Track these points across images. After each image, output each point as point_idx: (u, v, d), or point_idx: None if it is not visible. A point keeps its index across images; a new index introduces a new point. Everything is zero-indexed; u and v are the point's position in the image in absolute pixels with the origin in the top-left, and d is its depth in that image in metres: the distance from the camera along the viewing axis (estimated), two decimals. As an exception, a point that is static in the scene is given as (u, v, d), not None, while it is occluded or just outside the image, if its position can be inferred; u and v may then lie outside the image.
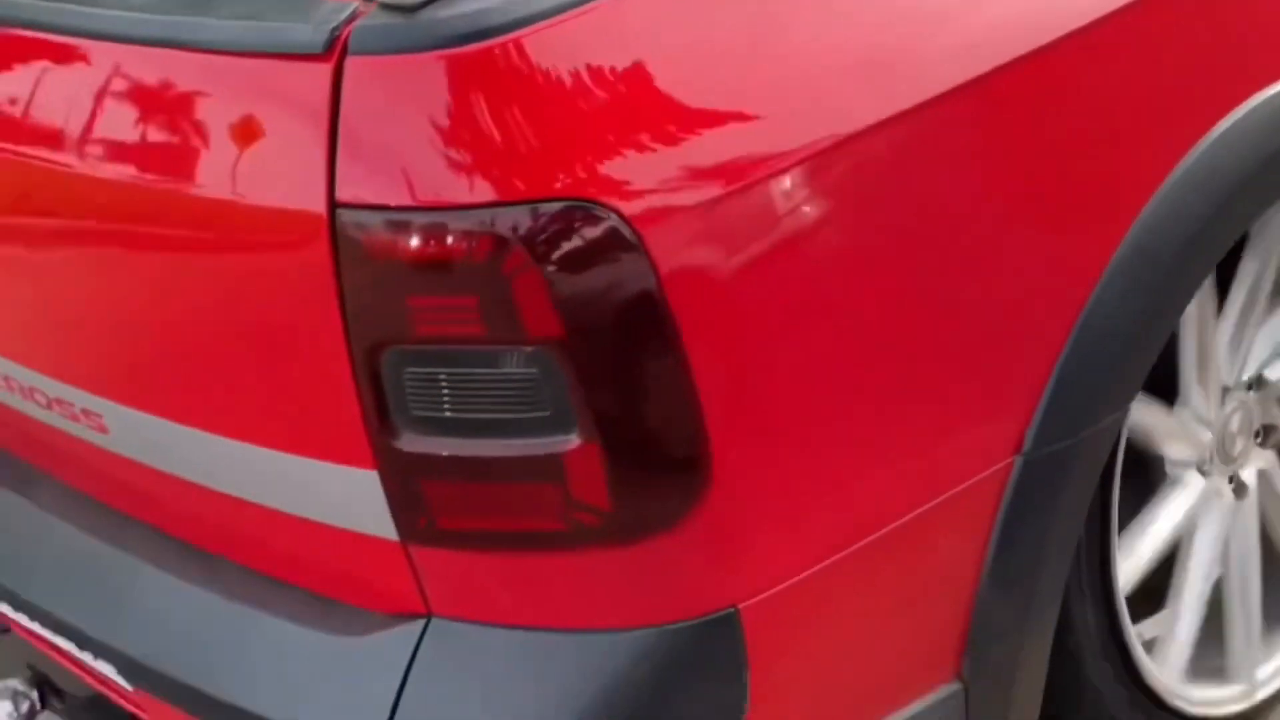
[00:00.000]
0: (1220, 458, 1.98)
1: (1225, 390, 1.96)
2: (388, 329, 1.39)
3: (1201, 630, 2.02)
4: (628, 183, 1.35)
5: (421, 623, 1.54)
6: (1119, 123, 1.62)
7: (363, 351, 1.40)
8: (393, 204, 1.35)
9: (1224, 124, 1.69)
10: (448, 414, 1.41)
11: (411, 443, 1.42)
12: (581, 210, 1.34)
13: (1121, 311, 1.64)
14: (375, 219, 1.36)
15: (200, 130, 1.47)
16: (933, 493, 1.59)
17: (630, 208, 1.35)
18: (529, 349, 1.36)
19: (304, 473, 1.53)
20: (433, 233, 1.35)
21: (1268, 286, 1.95)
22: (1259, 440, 2.03)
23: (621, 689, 1.48)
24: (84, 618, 1.81)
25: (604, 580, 1.47)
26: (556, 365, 1.36)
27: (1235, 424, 1.98)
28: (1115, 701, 1.87)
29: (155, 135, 1.52)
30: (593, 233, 1.34)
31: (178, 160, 1.49)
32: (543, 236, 1.34)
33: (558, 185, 1.34)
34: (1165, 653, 1.96)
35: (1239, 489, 2.01)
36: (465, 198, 1.34)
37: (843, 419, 1.51)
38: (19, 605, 1.90)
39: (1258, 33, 1.73)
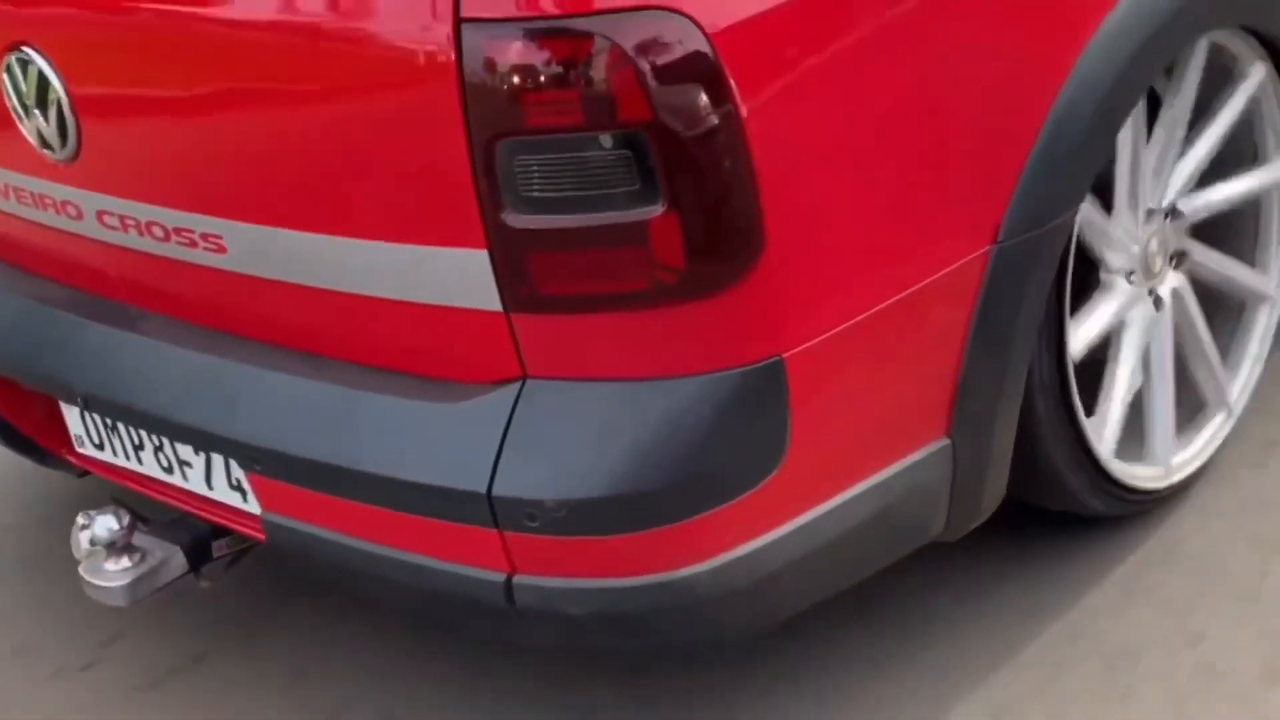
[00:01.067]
0: (1143, 272, 2.35)
1: (1149, 212, 2.33)
2: (503, 123, 1.71)
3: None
4: None
5: (518, 384, 1.86)
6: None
7: (481, 144, 1.72)
8: (510, 16, 1.68)
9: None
10: (552, 193, 1.73)
11: (520, 220, 1.74)
12: (665, 17, 1.67)
13: (1071, 129, 2.00)
14: (495, 31, 1.68)
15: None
16: (929, 271, 1.94)
17: (705, 15, 1.68)
18: (622, 131, 1.69)
19: (419, 260, 1.84)
20: (543, 39, 1.68)
21: (1183, 123, 2.32)
22: (1173, 264, 2.41)
23: (689, 426, 1.81)
24: (203, 419, 2.09)
25: (676, 333, 1.80)
26: (644, 144, 1.69)
27: (1154, 245, 2.35)
28: (1064, 462, 2.23)
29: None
30: (674, 35, 1.68)
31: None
32: (633, 38, 1.67)
33: (644, -3, 1.67)
34: (1099, 431, 2.32)
35: (1157, 302, 2.39)
36: (569, 8, 1.67)
37: (864, 206, 1.85)
38: (141, 421, 2.19)
39: None
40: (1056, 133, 1.99)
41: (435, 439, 1.90)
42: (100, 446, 2.37)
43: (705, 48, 1.68)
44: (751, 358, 1.81)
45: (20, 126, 2.14)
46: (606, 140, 1.70)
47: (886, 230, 1.89)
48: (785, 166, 1.76)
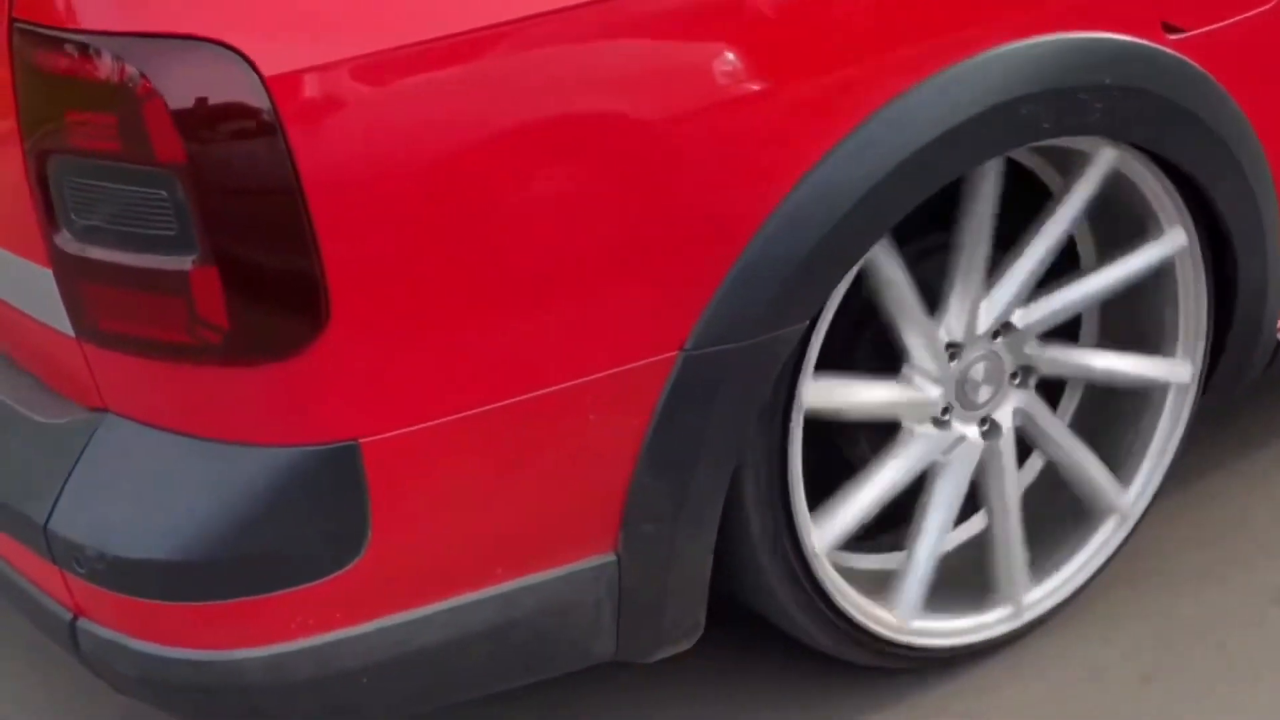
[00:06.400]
0: (963, 406, 2.03)
1: (952, 346, 2.00)
2: (51, 138, 1.55)
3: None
4: (261, 31, 1.48)
5: (100, 416, 1.70)
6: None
7: (34, 157, 1.56)
8: (54, 24, 1.51)
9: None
10: (98, 223, 1.56)
11: (71, 245, 1.58)
12: (211, 51, 1.47)
13: (790, 243, 1.72)
14: (40, 35, 1.51)
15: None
16: (581, 371, 1.69)
17: (264, 55, 1.47)
18: (157, 170, 1.51)
19: (13, 266, 1.70)
20: (83, 54, 1.50)
21: (983, 244, 1.97)
22: (1016, 381, 2.08)
23: (243, 499, 1.63)
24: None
25: (233, 396, 1.62)
26: (179, 189, 1.50)
27: (980, 373, 2.03)
28: (790, 603, 1.96)
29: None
30: (221, 73, 1.48)
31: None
32: (172, 69, 1.48)
33: (192, 23, 1.48)
34: (900, 587, 2.04)
35: (992, 430, 2.07)
36: (108, 25, 1.49)
37: (479, 286, 1.61)
38: None
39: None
40: (771, 241, 1.71)
41: (23, 454, 1.77)
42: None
43: (258, 92, 1.48)
44: (319, 437, 1.62)
45: None
46: (141, 176, 1.52)
47: (511, 320, 1.65)
48: (361, 235, 1.55)
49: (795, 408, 1.85)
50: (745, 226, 1.70)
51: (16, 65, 1.54)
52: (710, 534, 1.84)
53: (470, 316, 1.63)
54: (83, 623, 1.75)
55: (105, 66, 1.50)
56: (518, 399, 1.67)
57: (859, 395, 1.98)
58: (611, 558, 1.81)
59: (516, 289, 1.64)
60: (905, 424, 2.01)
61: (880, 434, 2.05)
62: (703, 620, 1.91)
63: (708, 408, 1.76)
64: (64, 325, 1.67)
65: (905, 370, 1.99)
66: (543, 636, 1.82)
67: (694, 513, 1.81)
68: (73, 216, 1.57)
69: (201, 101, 1.49)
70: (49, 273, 1.64)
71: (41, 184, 1.57)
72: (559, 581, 1.79)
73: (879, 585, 2.07)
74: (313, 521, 1.65)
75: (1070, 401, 2.26)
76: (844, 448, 2.11)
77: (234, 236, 1.53)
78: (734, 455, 1.81)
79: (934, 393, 1.99)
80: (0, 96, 1.60)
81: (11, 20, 1.53)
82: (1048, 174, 2.06)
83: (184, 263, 1.54)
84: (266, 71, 1.48)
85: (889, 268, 1.88)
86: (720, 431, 1.78)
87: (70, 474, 1.69)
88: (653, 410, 1.74)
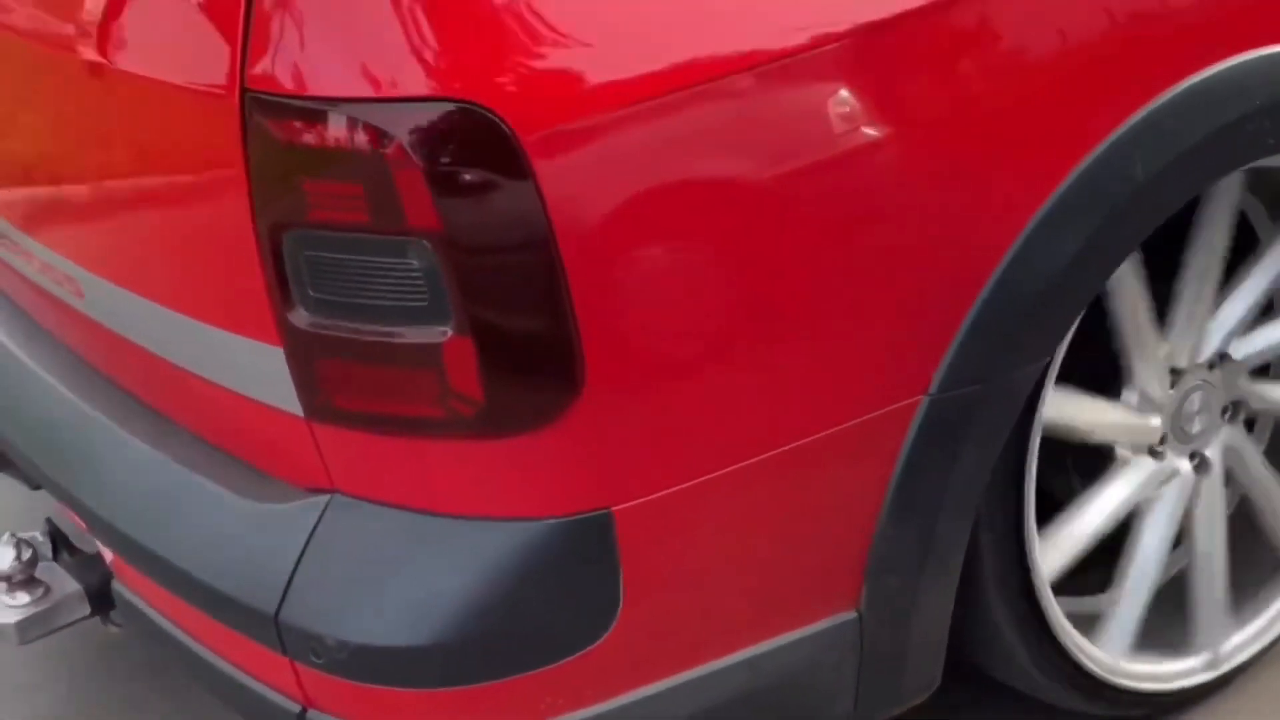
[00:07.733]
0: (1176, 438, 1.96)
1: (1176, 371, 1.94)
2: (287, 211, 1.48)
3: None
4: (515, 91, 1.41)
5: (326, 498, 1.63)
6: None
7: (266, 232, 1.49)
8: (291, 92, 1.44)
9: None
10: (339, 297, 1.49)
11: (307, 321, 1.51)
12: (466, 112, 1.40)
13: (1036, 274, 1.65)
14: (277, 105, 1.44)
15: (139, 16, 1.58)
16: (828, 422, 1.62)
17: (515, 114, 1.40)
18: (408, 240, 1.43)
19: (229, 346, 1.63)
20: (325, 122, 1.43)
21: (1215, 267, 1.91)
22: (1227, 417, 2.01)
23: (502, 574, 1.55)
24: (60, 472, 1.93)
25: (482, 470, 1.54)
26: (433, 258, 1.43)
27: (1194, 404, 1.96)
28: (1029, 662, 1.89)
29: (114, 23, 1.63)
30: (475, 135, 1.41)
31: (125, 46, 1.60)
32: (425, 133, 1.41)
33: (444, 86, 1.41)
34: (1108, 629, 1.96)
35: (1201, 465, 2.00)
36: (355, 91, 1.42)
37: (730, 342, 1.55)
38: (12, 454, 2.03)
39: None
40: (1013, 279, 1.64)
41: (240, 542, 1.69)
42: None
43: (513, 151, 1.41)
44: (571, 508, 1.55)
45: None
46: (390, 246, 1.45)
47: (762, 374, 1.58)
48: (614, 296, 1.48)
49: (1033, 436, 1.78)
50: (990, 258, 1.63)
51: (250, 137, 1.46)
52: (953, 583, 1.77)
53: (716, 374, 1.56)
54: (313, 714, 1.68)
55: (350, 134, 1.43)
56: (763, 456, 1.60)
57: (1090, 414, 1.91)
58: (853, 615, 1.73)
59: (762, 341, 1.57)
60: (1120, 452, 1.94)
61: (1090, 466, 1.98)
62: (940, 674, 1.84)
63: (954, 452, 1.69)
64: (289, 404, 1.59)
65: (1126, 395, 1.92)
66: (784, 701, 1.75)
67: (939, 562, 1.74)
68: (310, 292, 1.50)
69: (455, 165, 1.42)
70: (274, 350, 1.56)
71: (275, 259, 1.50)
72: (802, 643, 1.72)
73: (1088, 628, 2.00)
74: (566, 596, 1.58)
75: (1261, 438, 2.19)
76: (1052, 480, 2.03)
77: (490, 304, 1.45)
78: (977, 499, 1.73)
79: (1154, 421, 1.92)
80: (211, 171, 1.54)
81: (244, 91, 1.46)
82: (1256, 212, 2.01)
83: (436, 334, 1.47)
84: (520, 130, 1.41)
85: (1132, 285, 1.82)
86: (966, 475, 1.71)
87: (300, 560, 1.62)
88: (897, 458, 1.67)
